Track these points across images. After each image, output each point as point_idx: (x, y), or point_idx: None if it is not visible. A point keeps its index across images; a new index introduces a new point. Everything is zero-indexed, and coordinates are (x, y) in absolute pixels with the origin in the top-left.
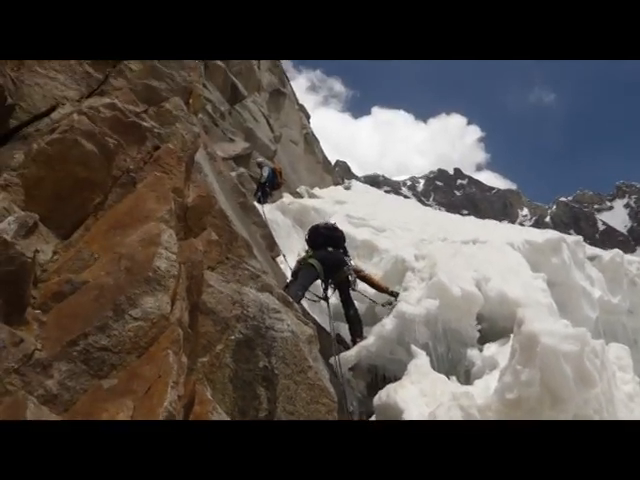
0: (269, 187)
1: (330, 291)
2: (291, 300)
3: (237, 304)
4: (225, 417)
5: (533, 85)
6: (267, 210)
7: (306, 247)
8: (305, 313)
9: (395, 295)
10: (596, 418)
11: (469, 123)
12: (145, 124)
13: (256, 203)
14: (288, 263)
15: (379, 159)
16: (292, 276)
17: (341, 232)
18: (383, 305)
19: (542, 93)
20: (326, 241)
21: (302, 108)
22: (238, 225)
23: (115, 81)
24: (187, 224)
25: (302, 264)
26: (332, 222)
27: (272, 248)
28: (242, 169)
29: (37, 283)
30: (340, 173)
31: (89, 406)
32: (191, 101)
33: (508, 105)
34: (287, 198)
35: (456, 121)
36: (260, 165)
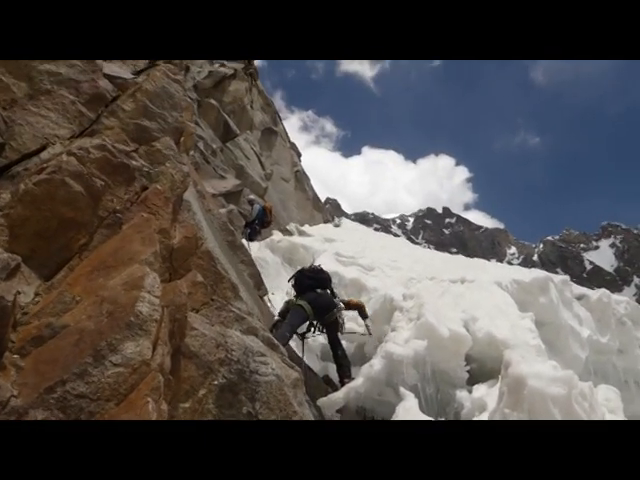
0: (259, 225)
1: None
2: (277, 343)
3: (221, 347)
4: None
5: (519, 128)
6: (256, 248)
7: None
8: (291, 356)
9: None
10: None
11: (457, 164)
12: (135, 163)
13: (244, 241)
14: (272, 303)
15: (369, 197)
16: (279, 316)
17: (327, 274)
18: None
19: (527, 136)
20: (313, 284)
21: (293, 146)
22: (225, 265)
23: (107, 120)
24: (172, 265)
25: (291, 305)
26: (317, 264)
27: (260, 287)
28: (232, 206)
29: (16, 326)
30: (330, 210)
31: None
32: (182, 140)
33: (495, 147)
34: (277, 236)
35: (445, 162)
36: (251, 202)
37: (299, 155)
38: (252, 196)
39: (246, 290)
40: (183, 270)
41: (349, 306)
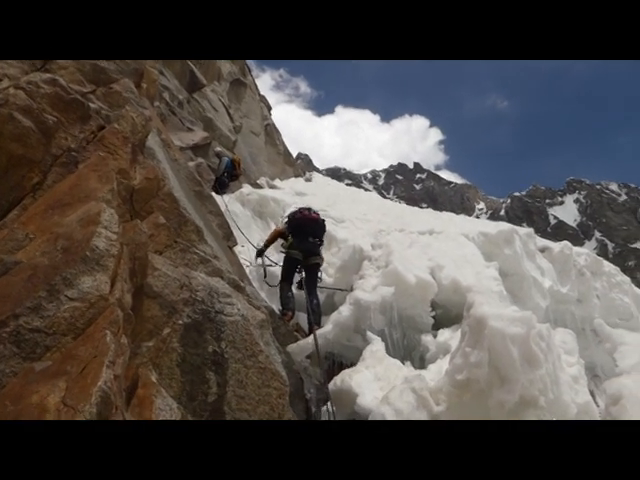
0: (227, 178)
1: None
2: (243, 285)
3: (185, 288)
4: (171, 401)
5: (489, 91)
6: (226, 201)
7: (264, 236)
8: (257, 297)
9: None
10: (541, 398)
11: (431, 125)
12: (92, 105)
13: (213, 194)
14: (243, 255)
15: (341, 158)
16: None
17: (323, 223)
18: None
19: (497, 100)
20: (309, 231)
21: (263, 99)
22: (190, 210)
23: (61, 60)
24: (133, 207)
25: (286, 254)
26: (316, 210)
27: (229, 238)
28: (200, 159)
29: None
30: (302, 166)
31: (19, 389)
32: (145, 85)
33: (466, 109)
34: (246, 189)
35: (419, 123)
36: (218, 155)
37: (269, 109)
38: (219, 149)
39: (214, 239)
40: (145, 212)
41: None
